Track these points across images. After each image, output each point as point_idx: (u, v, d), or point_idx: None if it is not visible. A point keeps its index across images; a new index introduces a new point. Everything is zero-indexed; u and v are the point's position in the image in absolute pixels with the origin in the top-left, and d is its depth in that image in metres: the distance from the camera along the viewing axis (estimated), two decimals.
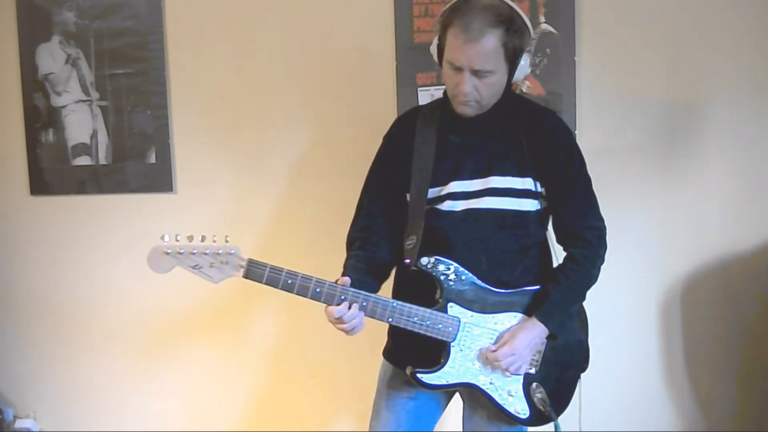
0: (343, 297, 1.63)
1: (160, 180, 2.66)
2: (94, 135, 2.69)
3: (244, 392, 2.73)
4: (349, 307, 1.63)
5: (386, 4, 2.48)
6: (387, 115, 2.34)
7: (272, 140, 2.61)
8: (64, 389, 2.81)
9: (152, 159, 2.66)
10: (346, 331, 1.66)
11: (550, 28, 2.41)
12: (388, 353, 1.89)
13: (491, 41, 1.59)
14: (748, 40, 2.37)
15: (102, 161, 2.69)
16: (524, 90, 2.42)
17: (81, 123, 2.69)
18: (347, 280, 1.66)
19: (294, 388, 2.70)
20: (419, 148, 1.75)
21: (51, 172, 2.72)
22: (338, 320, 1.64)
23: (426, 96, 2.44)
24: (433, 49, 1.73)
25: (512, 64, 1.65)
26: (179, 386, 2.75)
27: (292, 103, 2.59)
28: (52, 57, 2.67)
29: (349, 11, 2.52)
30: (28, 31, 2.68)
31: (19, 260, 2.79)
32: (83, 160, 2.70)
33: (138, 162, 2.67)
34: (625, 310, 2.50)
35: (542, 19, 2.41)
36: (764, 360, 2.46)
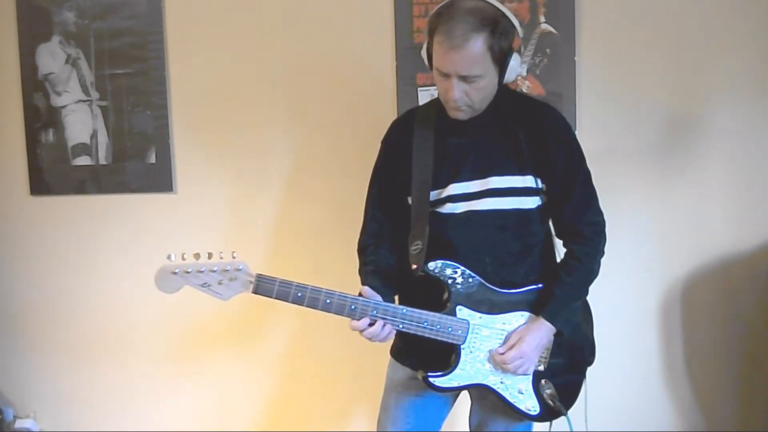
0: (353, 307, 1.63)
1: (160, 180, 2.66)
2: (94, 135, 2.69)
3: (246, 393, 2.72)
4: (371, 323, 1.64)
5: (386, 4, 2.48)
6: (387, 115, 2.35)
7: (272, 140, 2.61)
8: (64, 389, 2.81)
9: (152, 159, 2.66)
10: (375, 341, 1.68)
11: (550, 28, 2.41)
12: (396, 352, 1.89)
13: (476, 46, 1.58)
14: (749, 39, 2.37)
15: (102, 161, 2.69)
16: (524, 90, 2.42)
17: (81, 123, 2.68)
18: (368, 290, 1.66)
19: (298, 388, 2.70)
20: (417, 151, 1.75)
21: (51, 172, 2.72)
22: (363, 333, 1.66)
23: (426, 96, 2.44)
24: (424, 54, 1.72)
25: (501, 65, 1.64)
26: (180, 386, 2.75)
27: (292, 102, 2.58)
28: (52, 57, 2.67)
29: (349, 11, 2.52)
30: (28, 31, 2.68)
31: (19, 260, 2.79)
32: (83, 160, 2.70)
33: (138, 162, 2.67)
34: (625, 310, 2.50)
35: (542, 19, 2.41)
36: (764, 360, 2.46)
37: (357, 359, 2.58)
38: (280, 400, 2.72)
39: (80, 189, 2.71)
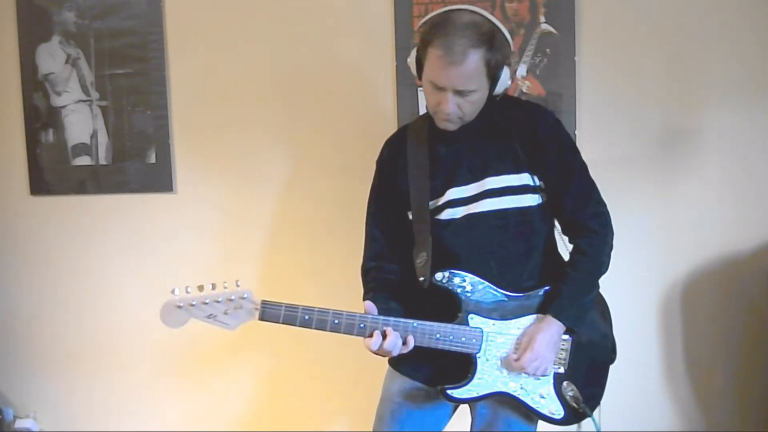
0: (362, 325, 1.62)
1: (160, 180, 2.66)
2: (94, 135, 2.69)
3: (245, 393, 2.73)
4: (384, 336, 1.62)
5: (386, 3, 2.48)
6: (387, 115, 2.35)
7: (272, 140, 2.61)
8: (64, 389, 2.81)
9: (152, 159, 2.66)
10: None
11: (550, 28, 2.41)
12: (396, 362, 1.84)
13: (474, 62, 1.58)
14: (748, 39, 2.37)
15: (102, 161, 2.69)
16: (524, 90, 2.42)
17: (81, 123, 2.68)
18: (370, 306, 1.65)
19: (294, 388, 2.70)
20: (412, 164, 1.76)
21: (51, 172, 2.72)
22: (379, 352, 1.63)
23: None
24: (411, 63, 1.71)
25: (493, 79, 1.65)
26: (180, 386, 2.75)
27: (292, 102, 2.58)
28: (52, 57, 2.67)
29: (349, 11, 2.52)
30: (28, 31, 2.68)
31: (18, 260, 2.79)
32: (83, 160, 2.70)
33: (138, 162, 2.67)
34: (625, 310, 2.49)
35: (542, 19, 2.41)
36: (764, 360, 2.46)
37: (356, 360, 2.57)
38: (279, 401, 2.71)
39: (80, 189, 2.71)
